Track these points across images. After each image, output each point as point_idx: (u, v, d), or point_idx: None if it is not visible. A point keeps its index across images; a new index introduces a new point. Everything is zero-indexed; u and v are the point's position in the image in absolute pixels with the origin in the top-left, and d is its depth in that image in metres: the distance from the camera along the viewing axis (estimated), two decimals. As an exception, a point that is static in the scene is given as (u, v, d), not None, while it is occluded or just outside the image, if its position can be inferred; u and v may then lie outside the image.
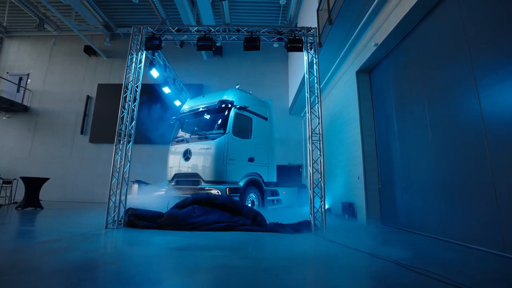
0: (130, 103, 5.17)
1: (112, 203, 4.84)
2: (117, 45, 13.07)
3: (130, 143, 5.09)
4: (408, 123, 4.98)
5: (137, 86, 5.36)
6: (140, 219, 4.85)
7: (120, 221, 4.84)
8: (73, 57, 13.02)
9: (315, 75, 5.47)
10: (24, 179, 7.73)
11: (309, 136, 5.13)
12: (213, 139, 5.83)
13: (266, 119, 7.42)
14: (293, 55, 11.56)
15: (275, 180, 7.51)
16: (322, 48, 6.66)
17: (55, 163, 11.80)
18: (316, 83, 5.43)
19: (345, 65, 7.15)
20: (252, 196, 6.30)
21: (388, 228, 5.34)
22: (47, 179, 8.14)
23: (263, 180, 6.80)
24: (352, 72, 6.74)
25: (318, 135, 5.14)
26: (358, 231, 4.92)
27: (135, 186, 9.03)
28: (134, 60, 5.44)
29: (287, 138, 11.92)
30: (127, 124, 5.14)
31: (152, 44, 5.44)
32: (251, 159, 6.48)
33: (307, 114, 5.31)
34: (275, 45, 11.97)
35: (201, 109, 6.46)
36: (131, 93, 5.26)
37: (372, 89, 6.48)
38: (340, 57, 6.88)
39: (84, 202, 10.90)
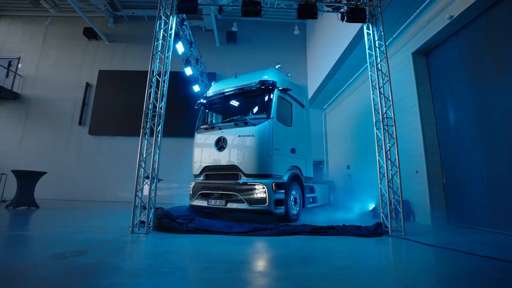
0: (161, 78, 4.17)
1: (138, 200, 3.84)
2: (120, 28, 11.91)
3: (160, 125, 4.09)
4: (495, 107, 4.18)
5: (167, 57, 4.36)
6: (174, 222, 3.87)
7: (149, 223, 3.84)
8: (71, 41, 11.75)
9: (374, 54, 4.59)
10: (17, 173, 6.57)
11: (378, 120, 4.26)
12: (254, 125, 4.88)
13: (303, 106, 6.53)
14: (314, 41, 10.71)
15: (312, 175, 6.63)
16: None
17: (49, 156, 10.53)
18: (382, 61, 4.56)
19: (395, 46, 6.34)
20: (294, 193, 5.39)
21: (462, 228, 4.53)
22: (44, 173, 6.99)
23: (302, 175, 5.90)
24: (406, 54, 5.94)
25: (387, 120, 4.27)
26: (447, 234, 4.06)
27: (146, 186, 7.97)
28: (162, 26, 4.45)
29: (306, 133, 11.03)
30: (155, 102, 4.14)
31: (186, 6, 4.46)
32: (293, 150, 5.57)
33: (370, 95, 4.43)
34: (296, 32, 11.10)
35: (235, 91, 5.48)
36: (161, 65, 4.27)
37: (430, 72, 5.69)
38: (392, 37, 6.06)
39: (82, 201, 9.72)
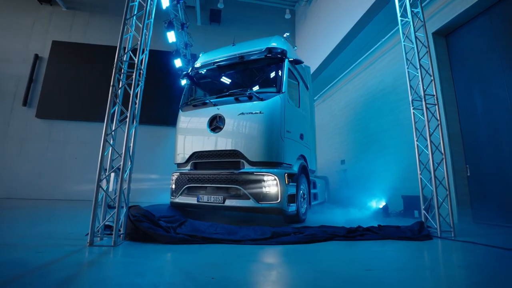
0: (142, 22, 2.93)
1: (102, 194, 2.58)
2: (82, -6, 10.00)
3: (140, 86, 2.85)
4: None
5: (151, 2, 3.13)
6: (158, 226, 2.68)
7: (120, 229, 2.59)
8: (16, 3, 9.56)
9: (411, 21, 3.84)
10: None
11: (416, 99, 3.50)
12: (262, 100, 3.83)
13: (307, 88, 5.64)
14: (306, 28, 9.95)
15: (315, 168, 5.76)
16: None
17: (-19, 144, 8.35)
18: (418, 31, 3.83)
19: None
20: (303, 187, 4.45)
21: (494, 227, 3.96)
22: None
23: (307, 166, 4.98)
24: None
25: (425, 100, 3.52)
26: (494, 233, 3.40)
27: (112, 175, 6.47)
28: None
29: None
30: (131, 54, 2.89)
31: None
32: (301, 136, 4.64)
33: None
34: (287, 16, 10.25)
35: (234, 61, 4.36)
36: (143, 3, 3.03)
37: (451, 55, 5.15)
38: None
39: (25, 199, 7.79)
